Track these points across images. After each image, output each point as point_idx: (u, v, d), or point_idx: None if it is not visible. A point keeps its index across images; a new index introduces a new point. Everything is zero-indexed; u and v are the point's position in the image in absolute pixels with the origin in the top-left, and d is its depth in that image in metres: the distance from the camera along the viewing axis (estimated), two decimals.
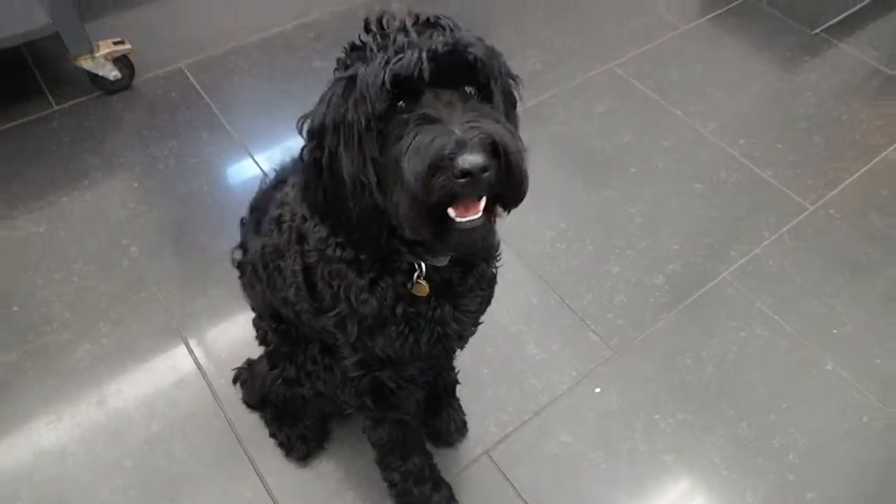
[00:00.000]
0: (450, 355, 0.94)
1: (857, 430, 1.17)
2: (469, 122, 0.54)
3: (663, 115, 1.72)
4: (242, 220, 0.97)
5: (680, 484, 1.11)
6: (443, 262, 0.72)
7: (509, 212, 0.61)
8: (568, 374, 1.22)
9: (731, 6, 2.04)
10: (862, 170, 1.60)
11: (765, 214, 1.50)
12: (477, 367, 1.21)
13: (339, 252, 0.72)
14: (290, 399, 1.00)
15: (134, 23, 1.83)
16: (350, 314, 0.74)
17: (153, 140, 1.56)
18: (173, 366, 1.21)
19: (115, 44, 1.57)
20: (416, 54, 0.56)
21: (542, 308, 1.32)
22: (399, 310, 0.73)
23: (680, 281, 1.37)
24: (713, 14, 2.03)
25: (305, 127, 0.63)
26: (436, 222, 0.57)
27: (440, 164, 0.53)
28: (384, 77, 0.55)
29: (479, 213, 0.57)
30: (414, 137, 0.55)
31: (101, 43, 1.55)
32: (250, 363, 1.12)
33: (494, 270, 0.81)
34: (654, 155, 1.62)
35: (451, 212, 0.57)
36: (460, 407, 1.13)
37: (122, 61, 1.60)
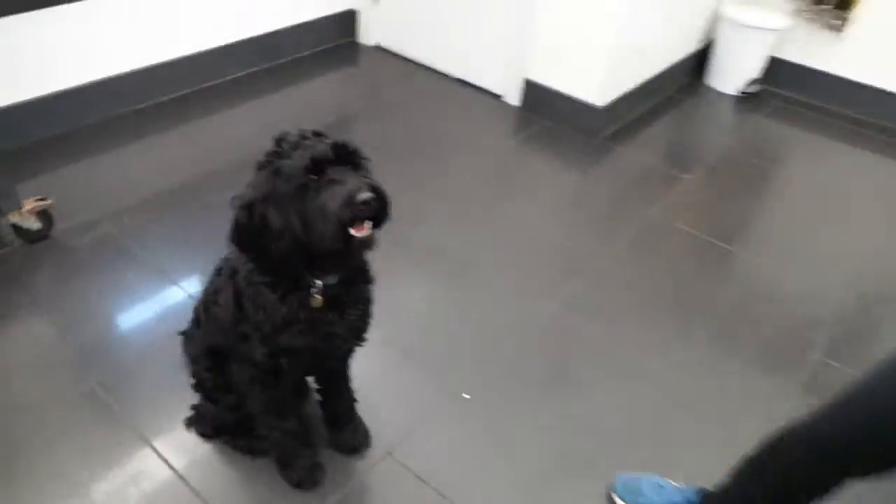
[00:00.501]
0: (338, 353, 1.27)
1: None
2: (360, 179, 0.97)
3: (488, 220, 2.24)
4: (183, 332, 1.28)
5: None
6: (332, 280, 1.08)
7: (381, 227, 1.01)
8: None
9: (532, 131, 2.68)
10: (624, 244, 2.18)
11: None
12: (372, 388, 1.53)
13: (260, 278, 1.08)
14: (238, 418, 1.30)
15: (57, 180, 2.09)
16: (265, 319, 1.09)
17: (73, 284, 1.77)
18: (142, 471, 1.36)
19: (37, 200, 1.80)
20: (324, 146, 0.97)
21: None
22: (301, 315, 1.08)
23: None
24: (525, 131, 2.65)
25: (237, 202, 1.00)
26: (345, 238, 0.96)
27: (349, 201, 0.94)
28: (309, 159, 0.95)
29: (369, 230, 0.98)
30: (330, 191, 0.95)
31: (25, 200, 1.79)
32: (195, 407, 1.38)
33: (369, 294, 1.19)
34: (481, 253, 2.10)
35: (353, 231, 0.96)
36: (363, 421, 1.43)
37: (43, 214, 1.83)
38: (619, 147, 2.62)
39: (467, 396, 1.56)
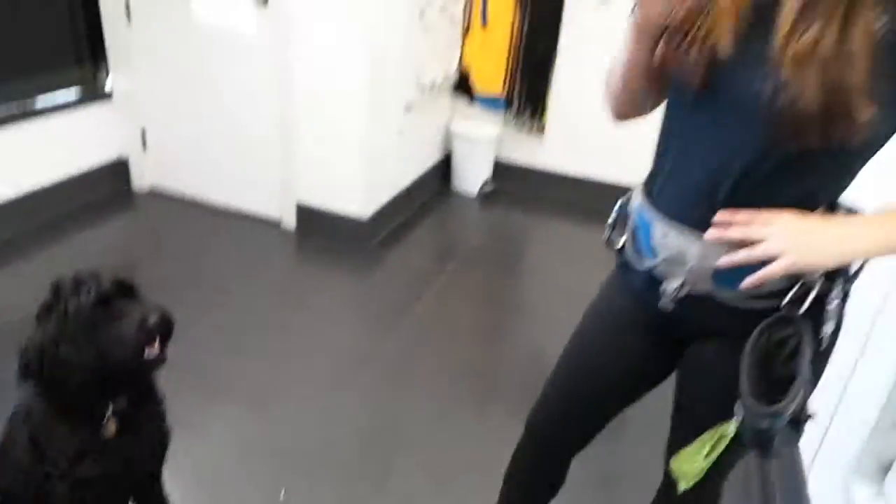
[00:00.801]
0: (140, 477, 1.39)
1: None
2: (144, 307, 1.19)
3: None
4: None
5: None
6: (123, 403, 1.23)
7: (167, 344, 1.21)
8: None
9: (310, 249, 3.01)
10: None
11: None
12: None
13: (51, 413, 1.21)
14: None
15: None
16: (59, 454, 1.21)
17: None
18: None
19: None
20: (107, 284, 1.17)
21: None
22: (94, 445, 1.22)
23: None
24: (304, 251, 2.97)
25: (27, 348, 1.15)
26: (140, 358, 1.17)
27: (142, 325, 1.15)
28: (95, 296, 1.15)
29: (158, 348, 1.19)
30: (121, 321, 1.16)
31: None
32: None
33: (162, 411, 1.35)
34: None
35: (147, 350, 1.17)
36: None
37: None
38: (388, 251, 3.04)
39: (282, 498, 1.75)
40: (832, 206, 0.93)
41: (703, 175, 0.94)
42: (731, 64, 0.86)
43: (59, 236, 2.87)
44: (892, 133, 0.86)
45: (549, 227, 3.52)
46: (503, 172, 3.76)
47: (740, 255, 0.89)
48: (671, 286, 1.01)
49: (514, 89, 3.60)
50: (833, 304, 0.93)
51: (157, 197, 3.31)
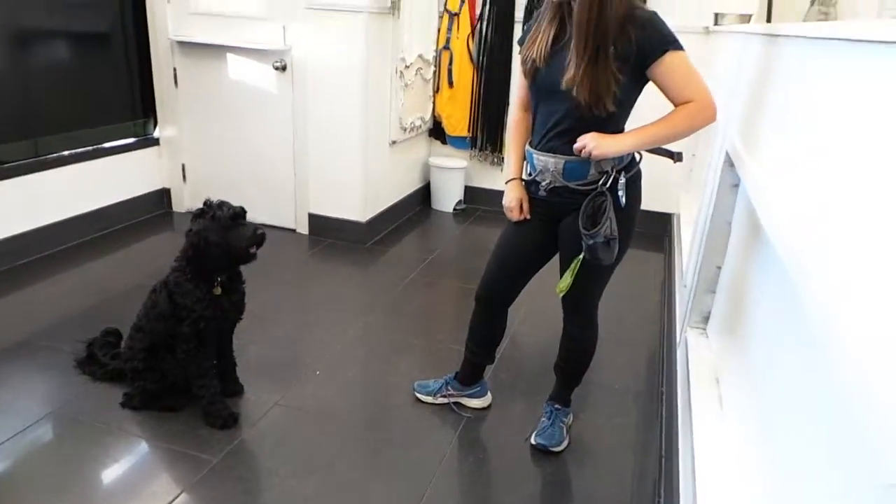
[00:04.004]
0: (232, 322, 2.18)
1: None
2: (254, 225, 2.02)
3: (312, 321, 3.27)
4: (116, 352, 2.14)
5: None
6: (224, 277, 2.05)
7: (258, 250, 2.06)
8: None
9: (320, 248, 3.83)
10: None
11: None
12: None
13: (184, 278, 2.02)
14: (161, 390, 2.13)
15: None
16: (188, 300, 2.00)
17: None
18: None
19: None
20: (238, 207, 2.02)
21: None
22: (208, 297, 2.03)
23: None
24: (315, 249, 3.78)
25: (191, 232, 1.98)
26: (248, 252, 2.01)
27: (253, 234, 2.00)
28: (232, 212, 1.98)
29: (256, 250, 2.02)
30: (243, 228, 1.99)
31: None
32: (126, 393, 2.16)
33: (243, 288, 2.16)
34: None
35: (251, 250, 2.00)
36: (238, 378, 2.31)
37: None
38: (381, 249, 3.87)
39: (318, 373, 2.49)
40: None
41: (546, 125, 1.83)
42: (545, 71, 1.78)
43: (117, 244, 3.66)
44: (628, 107, 1.77)
45: None
46: (472, 193, 4.68)
47: (576, 147, 1.75)
48: (544, 183, 1.88)
49: (477, 132, 4.57)
50: (620, 182, 1.79)
51: None
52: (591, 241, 1.77)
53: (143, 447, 2.04)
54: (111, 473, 1.93)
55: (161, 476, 1.94)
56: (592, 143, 1.71)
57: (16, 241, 3.23)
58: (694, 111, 1.68)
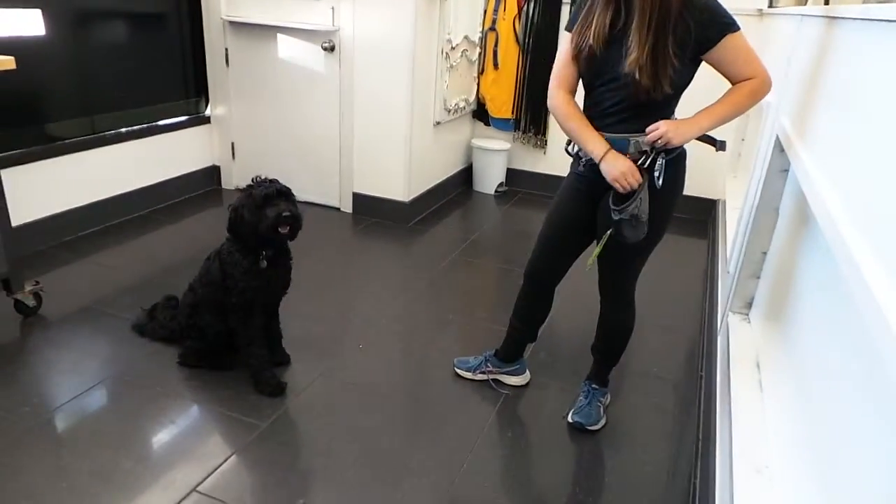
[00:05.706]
0: (275, 294, 2.26)
1: None
2: (286, 205, 2.07)
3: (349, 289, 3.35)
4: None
5: None
6: (270, 252, 2.13)
7: (297, 232, 2.11)
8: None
9: (364, 226, 3.91)
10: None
11: None
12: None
13: (235, 250, 2.11)
14: (206, 349, 2.26)
15: (47, 274, 2.80)
16: (237, 271, 2.09)
17: (65, 346, 2.52)
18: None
19: (34, 284, 2.56)
20: (273, 188, 2.07)
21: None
22: (255, 269, 2.11)
23: None
24: (359, 227, 3.86)
25: (231, 208, 2.07)
26: (275, 231, 2.05)
27: (278, 214, 2.04)
28: (264, 193, 2.05)
29: (286, 230, 2.07)
30: (274, 208, 2.04)
31: (26, 282, 2.54)
32: (182, 352, 2.30)
33: (289, 262, 2.23)
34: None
35: (279, 229, 2.05)
36: (285, 349, 2.41)
37: (36, 295, 2.57)
38: (425, 228, 3.92)
39: (361, 346, 2.57)
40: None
41: (599, 108, 1.83)
42: (603, 56, 1.77)
43: (171, 218, 3.80)
44: (682, 90, 1.76)
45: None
46: (514, 176, 4.69)
47: (651, 136, 1.75)
48: (585, 157, 1.88)
49: (520, 114, 4.56)
50: (658, 164, 1.79)
51: None
52: (617, 217, 1.78)
53: (196, 410, 2.15)
54: (167, 433, 2.05)
55: (213, 437, 2.04)
56: (671, 132, 1.72)
57: (75, 214, 3.40)
58: (757, 87, 1.71)
